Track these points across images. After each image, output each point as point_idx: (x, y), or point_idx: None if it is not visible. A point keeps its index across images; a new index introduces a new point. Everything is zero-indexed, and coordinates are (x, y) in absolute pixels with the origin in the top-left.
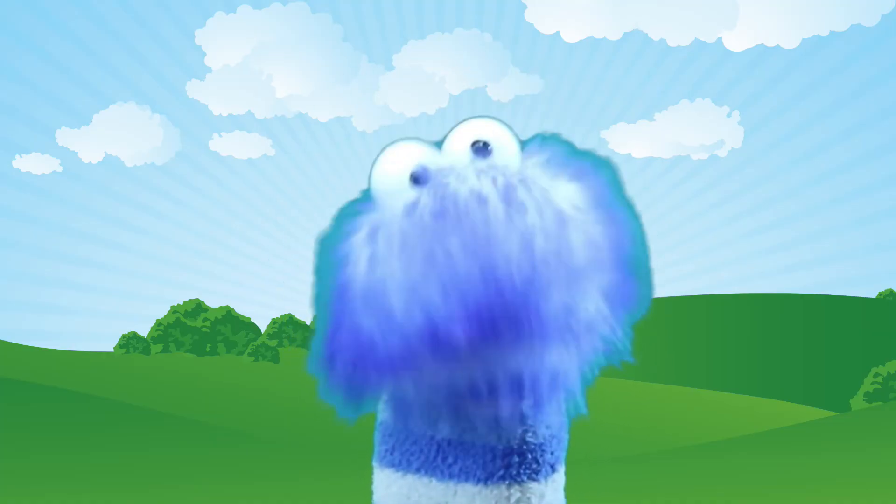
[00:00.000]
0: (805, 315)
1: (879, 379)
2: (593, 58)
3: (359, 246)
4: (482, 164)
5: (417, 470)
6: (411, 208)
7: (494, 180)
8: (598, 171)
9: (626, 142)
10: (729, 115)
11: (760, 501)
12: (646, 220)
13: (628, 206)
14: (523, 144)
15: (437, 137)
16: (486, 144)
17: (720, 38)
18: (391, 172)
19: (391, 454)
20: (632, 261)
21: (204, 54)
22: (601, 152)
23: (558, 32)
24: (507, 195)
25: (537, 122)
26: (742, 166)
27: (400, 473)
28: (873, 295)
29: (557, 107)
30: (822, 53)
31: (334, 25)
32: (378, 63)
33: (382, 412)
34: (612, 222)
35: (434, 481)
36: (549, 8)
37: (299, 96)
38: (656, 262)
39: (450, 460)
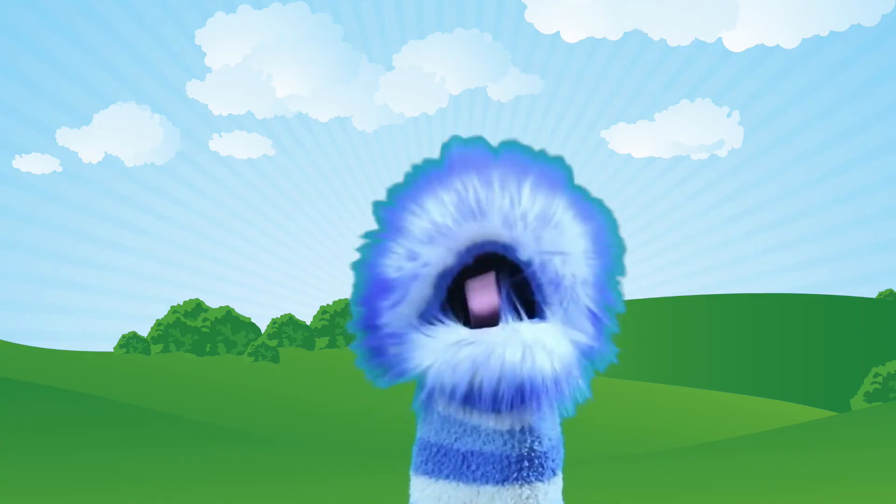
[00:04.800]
0: (805, 315)
1: (879, 379)
2: (593, 58)
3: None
4: None
5: (447, 476)
6: None
7: None
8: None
9: (626, 142)
10: (729, 115)
11: (760, 501)
12: (644, 219)
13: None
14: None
15: (437, 137)
16: None
17: (720, 38)
18: None
19: (425, 464)
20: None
21: (204, 54)
22: (601, 153)
23: (558, 32)
24: None
25: (537, 122)
26: (742, 166)
27: (432, 479)
28: (873, 295)
29: (557, 107)
30: (822, 53)
31: (334, 25)
32: (378, 63)
33: (420, 430)
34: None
35: (461, 485)
36: (549, 8)
37: (299, 96)
38: (656, 263)
39: (473, 467)
